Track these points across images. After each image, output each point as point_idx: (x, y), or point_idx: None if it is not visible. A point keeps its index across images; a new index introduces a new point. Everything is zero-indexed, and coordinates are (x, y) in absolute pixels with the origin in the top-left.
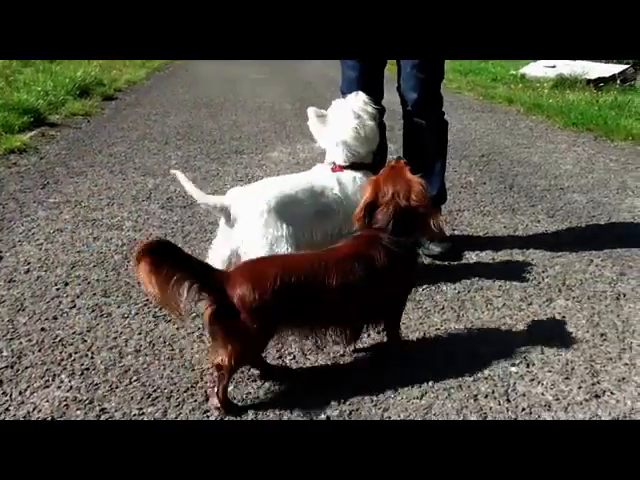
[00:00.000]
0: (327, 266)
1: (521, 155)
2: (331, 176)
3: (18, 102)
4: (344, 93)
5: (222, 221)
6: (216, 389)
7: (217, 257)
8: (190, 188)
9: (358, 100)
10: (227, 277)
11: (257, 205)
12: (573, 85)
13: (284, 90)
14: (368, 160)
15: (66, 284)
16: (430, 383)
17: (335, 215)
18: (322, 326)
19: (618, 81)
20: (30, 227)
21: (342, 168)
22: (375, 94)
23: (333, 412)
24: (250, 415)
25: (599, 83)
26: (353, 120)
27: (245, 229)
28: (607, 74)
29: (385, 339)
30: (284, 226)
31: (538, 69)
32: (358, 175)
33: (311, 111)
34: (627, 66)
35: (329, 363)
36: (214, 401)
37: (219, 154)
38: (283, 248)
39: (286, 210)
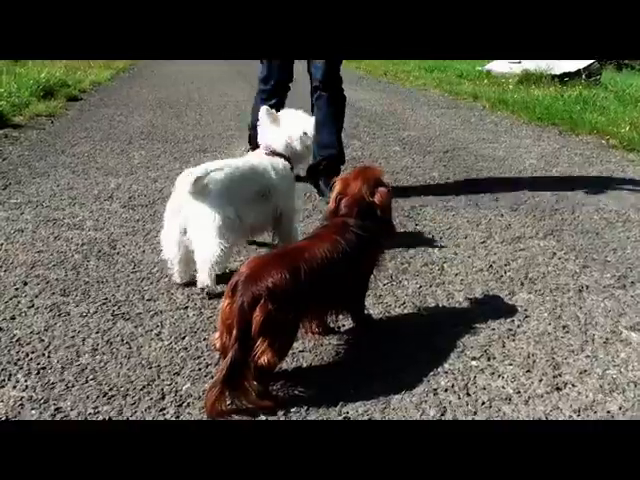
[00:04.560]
0: (324, 252)
1: (485, 150)
2: (267, 160)
3: None
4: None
5: (170, 206)
6: (258, 392)
7: (170, 242)
8: None
9: (306, 117)
10: (248, 276)
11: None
12: (538, 81)
13: (248, 88)
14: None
15: (25, 284)
16: (389, 378)
17: (272, 195)
18: (328, 308)
19: (583, 76)
20: None
21: (275, 154)
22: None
23: (294, 410)
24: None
25: (564, 78)
26: (301, 130)
27: (194, 212)
28: (573, 69)
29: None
30: (230, 207)
31: (503, 65)
32: (287, 164)
33: (264, 109)
34: (592, 61)
35: (287, 360)
36: (260, 404)
37: (182, 153)
38: (230, 229)
39: (230, 191)
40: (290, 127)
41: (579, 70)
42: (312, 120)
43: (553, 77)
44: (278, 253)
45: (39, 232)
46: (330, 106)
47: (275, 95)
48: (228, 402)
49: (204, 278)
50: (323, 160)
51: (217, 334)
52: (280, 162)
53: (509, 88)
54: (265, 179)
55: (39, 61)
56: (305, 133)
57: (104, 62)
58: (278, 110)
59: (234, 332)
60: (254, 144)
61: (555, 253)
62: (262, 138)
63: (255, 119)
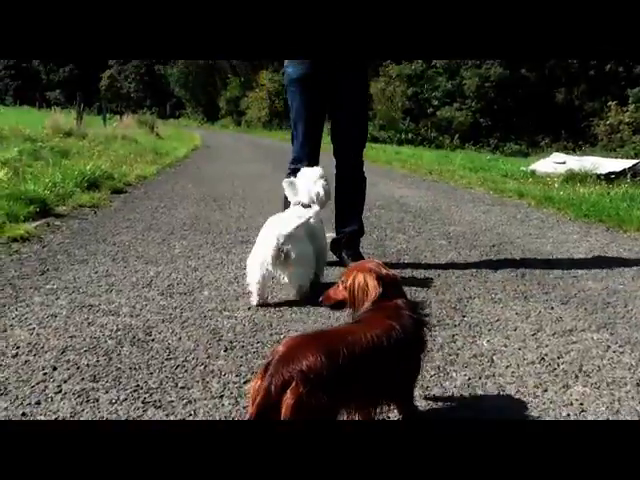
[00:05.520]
0: (371, 337)
1: (532, 245)
2: (304, 211)
3: (24, 192)
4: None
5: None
6: None
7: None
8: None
9: (314, 171)
10: (282, 356)
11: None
12: (584, 180)
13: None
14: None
15: (54, 369)
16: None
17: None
18: (373, 398)
19: (629, 175)
20: (24, 312)
21: (305, 206)
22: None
23: None
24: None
25: (610, 177)
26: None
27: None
28: (618, 169)
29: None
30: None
31: (548, 165)
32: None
33: (285, 181)
34: (637, 161)
35: None
36: None
37: (224, 243)
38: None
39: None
40: (306, 182)
41: (624, 170)
42: (318, 170)
43: (598, 176)
44: (316, 334)
45: (73, 317)
46: (352, 187)
47: None
48: None
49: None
50: (346, 234)
51: (247, 417)
52: (313, 212)
53: (555, 187)
54: (310, 225)
55: (85, 154)
56: (321, 177)
57: (151, 158)
58: None
59: (252, 411)
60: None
61: (609, 346)
62: (292, 199)
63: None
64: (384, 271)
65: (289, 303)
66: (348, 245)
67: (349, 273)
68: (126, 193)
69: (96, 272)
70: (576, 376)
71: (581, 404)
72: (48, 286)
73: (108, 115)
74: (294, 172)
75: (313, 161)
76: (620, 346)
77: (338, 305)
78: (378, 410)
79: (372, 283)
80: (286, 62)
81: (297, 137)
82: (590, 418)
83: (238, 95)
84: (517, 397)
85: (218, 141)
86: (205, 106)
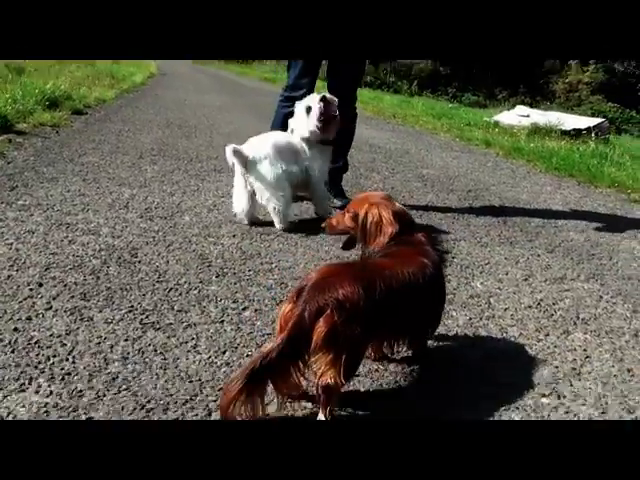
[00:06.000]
0: (408, 274)
1: (508, 193)
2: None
3: None
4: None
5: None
6: (324, 414)
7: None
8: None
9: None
10: (316, 283)
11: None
12: (548, 134)
13: (250, 116)
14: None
15: (40, 285)
16: (456, 412)
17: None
18: (397, 334)
19: (593, 134)
20: None
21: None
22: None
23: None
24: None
25: (573, 133)
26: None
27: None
28: (583, 126)
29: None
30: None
31: (512, 117)
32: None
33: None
34: (602, 120)
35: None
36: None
37: (198, 171)
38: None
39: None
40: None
41: (589, 127)
42: (315, 96)
43: (563, 132)
44: (352, 265)
45: (51, 235)
46: (343, 132)
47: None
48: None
49: (277, 223)
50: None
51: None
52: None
53: (521, 138)
54: (285, 147)
55: (44, 72)
56: (309, 108)
57: (108, 82)
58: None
59: (282, 335)
60: None
61: (602, 296)
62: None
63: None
64: (397, 205)
65: (284, 237)
66: (331, 181)
67: (358, 204)
68: (86, 115)
69: (68, 191)
70: (574, 323)
71: (584, 350)
72: (20, 202)
73: None
74: (288, 100)
75: (310, 90)
76: (612, 297)
77: (348, 244)
78: (394, 347)
79: (388, 218)
80: None
81: (295, 67)
82: (595, 364)
83: None
84: (520, 341)
85: (174, 69)
86: None
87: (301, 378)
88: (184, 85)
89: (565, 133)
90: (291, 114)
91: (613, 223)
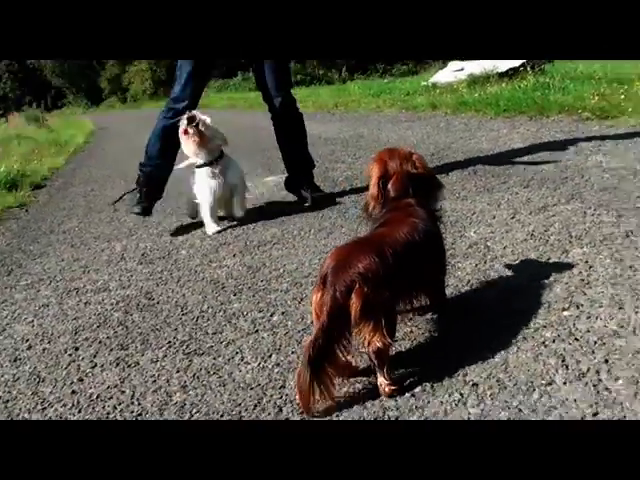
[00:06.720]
0: (405, 235)
1: (469, 146)
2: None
3: None
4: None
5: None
6: (383, 376)
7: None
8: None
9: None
10: (336, 265)
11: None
12: (487, 81)
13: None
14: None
15: (76, 349)
16: (492, 345)
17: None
18: (416, 290)
19: (529, 68)
20: (13, 310)
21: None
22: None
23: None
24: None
25: (510, 72)
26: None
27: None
28: (517, 64)
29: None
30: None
31: (448, 75)
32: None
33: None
34: None
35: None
36: (390, 388)
37: (174, 208)
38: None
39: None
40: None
41: (523, 63)
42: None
43: (500, 75)
44: (359, 241)
45: (66, 303)
46: (292, 124)
47: (180, 115)
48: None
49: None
50: (298, 171)
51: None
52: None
53: (464, 92)
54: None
55: None
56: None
57: (54, 150)
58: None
59: (322, 319)
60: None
61: (586, 212)
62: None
63: (155, 141)
64: (396, 167)
65: (280, 243)
66: (305, 181)
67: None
68: (46, 187)
69: (62, 260)
70: (569, 241)
71: (586, 262)
72: (22, 282)
73: None
74: (170, 111)
75: (193, 103)
76: (595, 210)
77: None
78: (416, 302)
79: (373, 182)
80: None
81: (180, 77)
82: (600, 270)
83: (118, 72)
84: (526, 270)
85: (109, 122)
86: (87, 90)
87: (348, 357)
88: (124, 132)
89: (503, 75)
90: (172, 126)
91: (574, 144)
